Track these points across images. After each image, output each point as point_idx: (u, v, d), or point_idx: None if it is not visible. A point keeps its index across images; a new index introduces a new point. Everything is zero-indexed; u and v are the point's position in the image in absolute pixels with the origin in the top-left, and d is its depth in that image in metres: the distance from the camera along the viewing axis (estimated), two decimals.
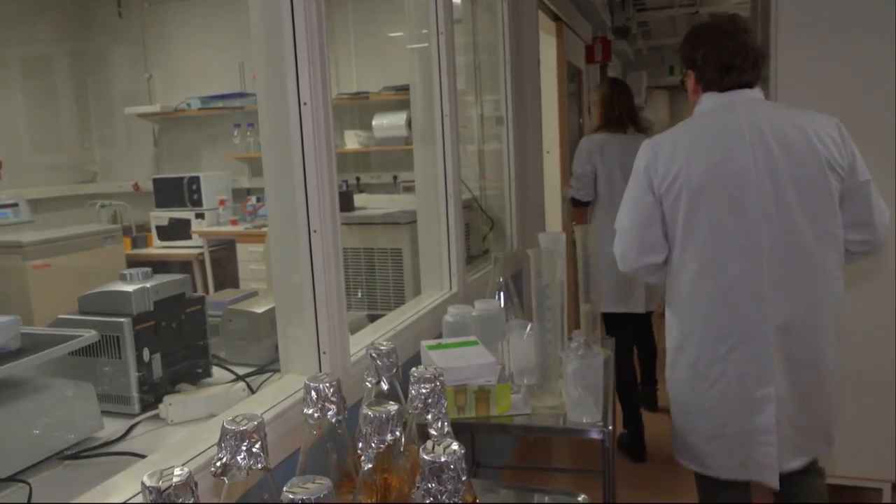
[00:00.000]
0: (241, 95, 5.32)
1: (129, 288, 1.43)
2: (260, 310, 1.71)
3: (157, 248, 5.32)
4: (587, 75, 5.24)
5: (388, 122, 4.80)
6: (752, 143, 1.78)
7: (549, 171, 4.07)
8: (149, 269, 1.51)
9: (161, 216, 5.29)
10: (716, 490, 1.94)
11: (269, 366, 1.66)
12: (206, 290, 5.07)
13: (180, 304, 1.53)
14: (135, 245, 5.41)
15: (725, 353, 1.80)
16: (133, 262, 5.29)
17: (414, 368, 1.09)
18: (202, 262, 5.06)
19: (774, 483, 1.81)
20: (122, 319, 1.39)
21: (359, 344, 1.71)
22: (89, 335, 1.29)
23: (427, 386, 1.08)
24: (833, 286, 1.83)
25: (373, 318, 2.28)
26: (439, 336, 1.89)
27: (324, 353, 1.47)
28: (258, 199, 5.13)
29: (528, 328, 1.79)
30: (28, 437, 1.19)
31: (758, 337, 1.77)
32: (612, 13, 5.85)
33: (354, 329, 1.95)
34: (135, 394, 1.41)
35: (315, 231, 1.43)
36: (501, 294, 2.00)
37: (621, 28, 6.22)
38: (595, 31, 5.46)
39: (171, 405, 1.37)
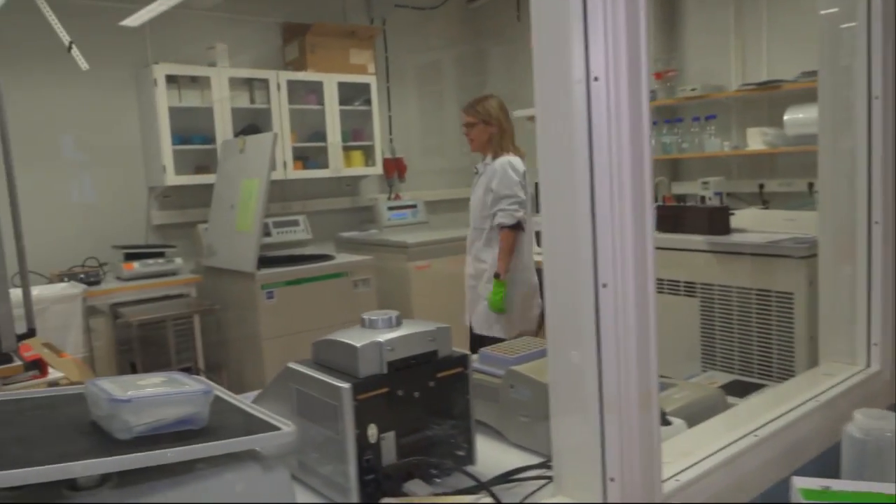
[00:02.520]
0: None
1: (358, 342, 1.06)
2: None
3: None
4: None
5: (804, 116, 3.83)
6: None
7: None
8: (396, 315, 1.13)
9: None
10: None
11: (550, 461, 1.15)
12: None
13: (430, 367, 1.12)
14: None
15: None
16: None
17: None
18: None
19: None
20: (342, 385, 1.03)
21: (690, 453, 1.10)
22: (285, 431, 0.94)
23: None
24: None
25: (741, 390, 1.62)
26: (836, 451, 1.16)
27: (611, 479, 0.92)
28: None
29: None
30: None
31: None
32: None
33: (695, 416, 1.32)
34: (352, 485, 1.04)
35: (605, 285, 0.88)
36: None
37: None
38: None
39: None
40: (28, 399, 1.08)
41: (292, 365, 1.14)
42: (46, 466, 0.78)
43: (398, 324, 1.12)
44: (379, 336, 1.07)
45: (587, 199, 0.86)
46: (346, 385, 1.02)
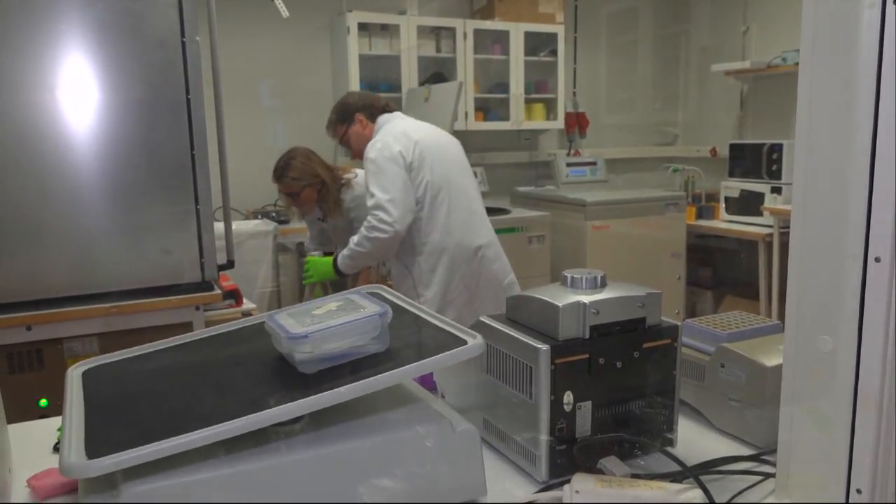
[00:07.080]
0: None
1: (559, 301, 0.97)
2: (771, 362, 1.06)
3: (723, 221, 4.80)
4: None
5: None
6: None
7: None
8: (601, 275, 1.03)
9: (732, 186, 4.74)
10: None
11: (772, 452, 1.01)
12: (768, 280, 4.36)
13: (636, 336, 1.01)
14: (700, 216, 5.00)
15: None
16: (693, 234, 4.90)
17: None
18: (769, 245, 4.34)
19: None
20: (540, 346, 0.95)
21: None
22: (471, 346, 0.88)
23: None
24: None
25: None
26: None
27: (858, 490, 0.77)
28: None
29: None
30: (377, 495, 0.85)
31: None
32: None
33: None
34: (543, 453, 0.96)
35: (878, 259, 0.72)
36: None
37: None
38: None
39: (579, 493, 0.88)
40: (220, 335, 1.11)
41: (484, 319, 1.08)
42: (238, 420, 0.77)
43: (603, 285, 1.02)
44: (582, 297, 0.98)
45: (867, 152, 0.70)
46: (544, 346, 0.94)
